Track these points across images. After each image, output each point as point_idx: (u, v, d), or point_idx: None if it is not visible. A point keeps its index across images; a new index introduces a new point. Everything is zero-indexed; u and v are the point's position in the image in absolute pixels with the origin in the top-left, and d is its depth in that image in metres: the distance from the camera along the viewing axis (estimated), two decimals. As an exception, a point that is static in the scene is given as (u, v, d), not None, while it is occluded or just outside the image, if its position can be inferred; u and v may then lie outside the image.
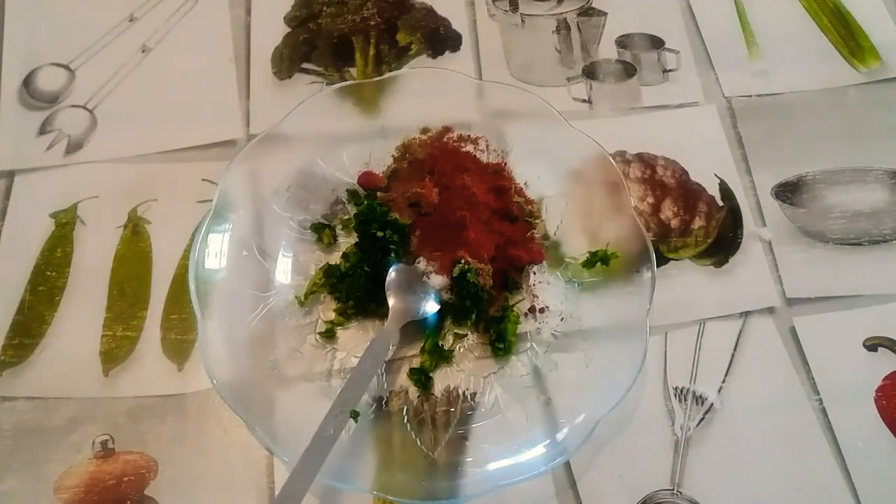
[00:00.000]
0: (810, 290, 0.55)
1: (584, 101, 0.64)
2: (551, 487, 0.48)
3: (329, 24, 0.67)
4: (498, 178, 0.56)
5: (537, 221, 0.56)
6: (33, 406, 0.50)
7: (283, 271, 0.54)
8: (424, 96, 0.58)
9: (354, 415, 0.47)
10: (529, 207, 0.55)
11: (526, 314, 0.53)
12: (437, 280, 0.51)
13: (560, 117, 0.56)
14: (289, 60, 0.65)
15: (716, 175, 0.60)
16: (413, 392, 0.51)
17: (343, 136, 0.58)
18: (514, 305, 0.53)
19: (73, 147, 0.60)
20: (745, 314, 0.54)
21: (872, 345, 0.53)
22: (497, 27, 0.68)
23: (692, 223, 0.58)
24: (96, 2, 0.68)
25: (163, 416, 0.50)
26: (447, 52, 0.66)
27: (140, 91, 0.63)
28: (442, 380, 0.51)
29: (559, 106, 0.57)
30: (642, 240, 0.52)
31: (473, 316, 0.52)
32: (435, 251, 0.52)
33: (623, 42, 0.67)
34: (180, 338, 0.53)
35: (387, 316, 0.50)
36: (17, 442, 0.49)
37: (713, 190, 0.59)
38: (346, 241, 0.55)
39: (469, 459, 0.48)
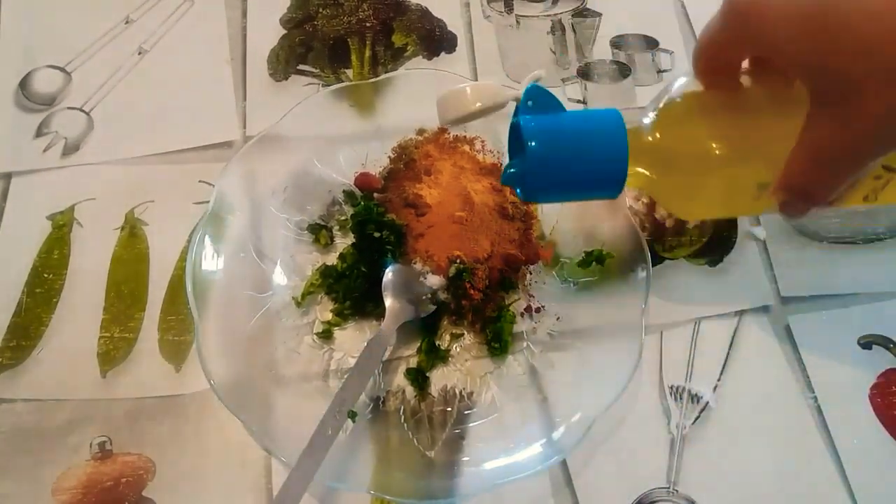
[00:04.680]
0: (805, 288, 0.56)
1: (579, 101, 0.64)
2: (548, 486, 0.49)
3: (325, 26, 0.67)
4: (494, 178, 0.56)
5: (533, 221, 0.56)
6: (31, 408, 0.50)
7: (280, 272, 0.54)
8: (420, 97, 0.58)
9: (352, 415, 0.47)
10: (525, 207, 0.56)
11: (522, 314, 0.53)
12: (434, 280, 0.51)
13: (555, 118, 0.56)
14: (285, 62, 0.65)
15: (711, 175, 0.60)
16: (410, 392, 0.51)
17: (339, 138, 0.58)
18: (510, 305, 0.53)
19: (70, 149, 0.60)
20: (740, 313, 0.54)
21: (867, 343, 0.54)
22: (492, 28, 0.68)
23: (687, 223, 0.58)
24: (92, 4, 0.68)
25: (161, 418, 0.50)
26: (443, 54, 0.66)
27: (136, 93, 0.63)
28: (439, 379, 0.51)
29: (554, 106, 0.57)
30: (637, 239, 0.52)
31: (470, 315, 0.52)
32: (431, 251, 0.52)
33: (617, 43, 0.67)
34: (178, 339, 0.53)
35: (384, 316, 0.50)
36: (14, 444, 0.49)
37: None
38: (343, 241, 0.55)
39: (466, 458, 0.48)
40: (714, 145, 0.38)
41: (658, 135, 0.40)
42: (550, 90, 0.39)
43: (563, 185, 0.40)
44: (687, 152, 0.39)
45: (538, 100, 0.39)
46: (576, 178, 0.39)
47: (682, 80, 0.41)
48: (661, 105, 0.41)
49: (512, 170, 0.41)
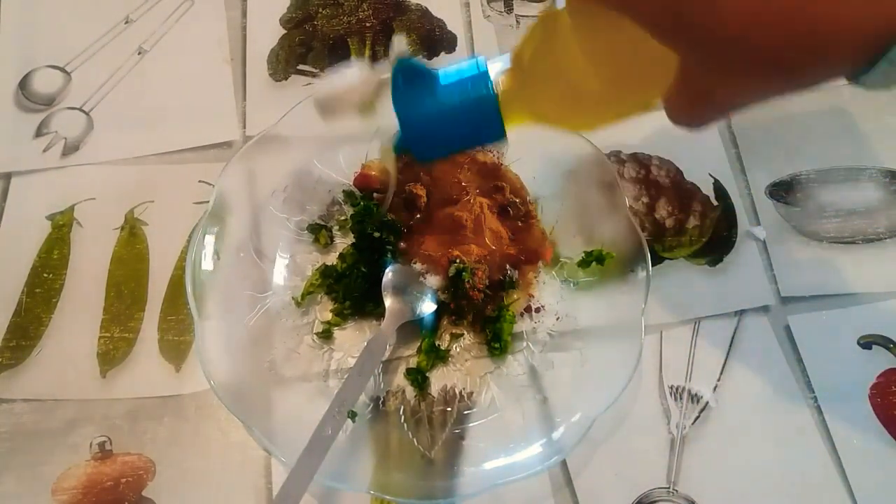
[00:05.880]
0: (804, 288, 0.56)
1: (579, 101, 0.64)
2: (548, 486, 0.49)
3: (325, 26, 0.67)
4: (494, 178, 0.56)
5: (533, 221, 0.56)
6: (31, 408, 0.50)
7: (280, 272, 0.54)
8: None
9: (352, 415, 0.47)
10: (525, 208, 0.55)
11: (522, 314, 0.53)
12: (434, 280, 0.51)
13: (555, 118, 0.56)
14: (285, 62, 0.65)
15: (710, 175, 0.60)
16: (410, 392, 0.51)
17: (339, 138, 0.58)
18: (509, 305, 0.53)
19: (70, 149, 0.60)
20: (740, 313, 0.55)
21: (867, 343, 0.54)
22: (492, 28, 0.68)
23: (687, 222, 0.58)
24: (92, 4, 0.68)
25: (160, 418, 0.50)
26: (442, 54, 0.66)
27: (136, 93, 0.63)
28: (439, 379, 0.51)
29: (554, 106, 0.57)
30: (637, 239, 0.52)
31: (470, 316, 0.52)
32: (431, 251, 0.52)
33: (617, 42, 0.67)
34: (178, 339, 0.53)
35: (383, 316, 0.50)
36: (14, 444, 0.49)
37: (707, 189, 0.60)
38: (343, 241, 0.55)
39: (466, 458, 0.48)
40: (581, 67, 0.37)
41: (525, 67, 0.39)
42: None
43: (446, 145, 0.42)
44: (554, 78, 0.39)
45: (407, 74, 0.39)
46: (457, 137, 0.41)
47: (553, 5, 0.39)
48: (527, 35, 0.39)
49: (399, 138, 0.42)
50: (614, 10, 0.33)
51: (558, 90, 0.39)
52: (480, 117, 0.39)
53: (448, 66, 0.39)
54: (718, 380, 0.52)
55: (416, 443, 0.49)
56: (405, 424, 0.49)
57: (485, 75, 0.39)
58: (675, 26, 0.31)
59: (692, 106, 0.36)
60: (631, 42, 0.34)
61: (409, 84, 0.39)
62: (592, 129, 0.46)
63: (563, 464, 0.49)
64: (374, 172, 0.56)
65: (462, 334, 0.53)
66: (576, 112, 0.40)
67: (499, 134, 0.40)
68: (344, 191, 0.57)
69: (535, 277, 0.54)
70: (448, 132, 0.40)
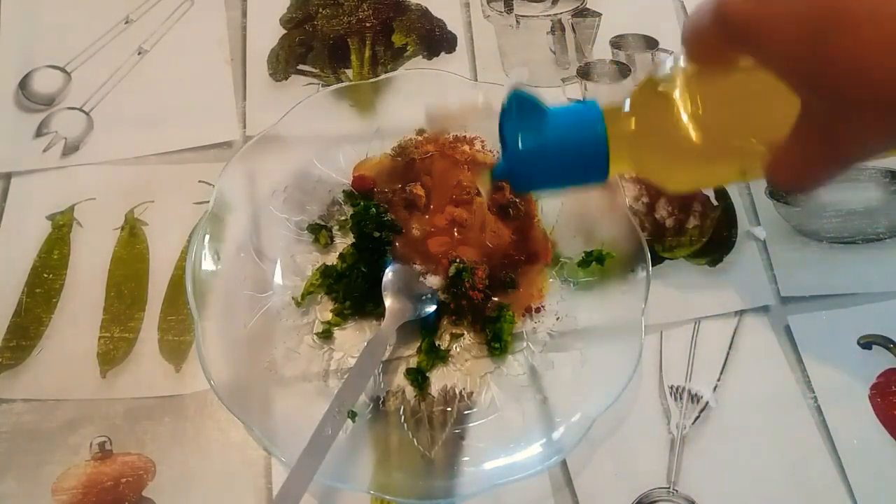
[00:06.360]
0: (805, 288, 0.56)
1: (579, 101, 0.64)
2: (548, 486, 0.49)
3: (325, 26, 0.67)
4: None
5: (534, 221, 0.56)
6: (31, 408, 0.50)
7: (280, 272, 0.54)
8: (420, 97, 0.58)
9: (352, 415, 0.47)
10: (525, 208, 0.55)
11: (522, 314, 0.53)
12: (434, 280, 0.51)
13: (555, 118, 0.56)
14: (285, 62, 0.65)
15: (710, 175, 0.60)
16: (410, 392, 0.51)
17: (339, 138, 0.58)
18: (509, 305, 0.53)
19: (70, 149, 0.60)
20: (740, 313, 0.54)
21: (867, 343, 0.54)
22: (492, 28, 0.68)
23: (687, 222, 0.58)
24: (92, 4, 0.68)
25: (160, 418, 0.50)
26: (443, 54, 0.66)
27: (136, 93, 0.63)
28: (439, 379, 0.51)
29: (554, 106, 0.57)
30: (637, 239, 0.52)
31: (470, 315, 0.52)
32: (431, 251, 0.52)
33: (617, 43, 0.67)
34: (178, 339, 0.53)
35: (384, 316, 0.50)
36: (14, 444, 0.49)
37: (707, 189, 0.59)
38: (343, 241, 0.55)
39: (466, 459, 0.48)
40: (692, 126, 0.38)
41: (638, 117, 0.39)
42: (550, 90, 0.40)
43: (548, 179, 0.42)
44: (665, 133, 0.39)
45: (520, 103, 0.39)
46: (560, 173, 0.41)
47: (670, 62, 0.40)
48: (642, 85, 0.40)
49: (501, 165, 0.42)
50: (745, 54, 0.33)
51: (663, 143, 0.39)
52: (587, 155, 0.39)
53: (561, 104, 0.40)
54: (718, 380, 0.52)
55: (416, 443, 0.49)
56: (405, 424, 0.49)
57: (598, 115, 0.39)
58: (812, 69, 0.31)
59: (806, 163, 0.35)
60: (744, 99, 0.35)
61: (522, 114, 0.39)
62: (690, 188, 0.46)
63: (563, 464, 0.49)
64: (368, 174, 0.56)
65: (462, 334, 0.53)
66: (675, 168, 0.40)
67: (602, 175, 0.40)
68: (344, 191, 0.57)
69: (539, 275, 0.54)
70: (552, 166, 0.40)
